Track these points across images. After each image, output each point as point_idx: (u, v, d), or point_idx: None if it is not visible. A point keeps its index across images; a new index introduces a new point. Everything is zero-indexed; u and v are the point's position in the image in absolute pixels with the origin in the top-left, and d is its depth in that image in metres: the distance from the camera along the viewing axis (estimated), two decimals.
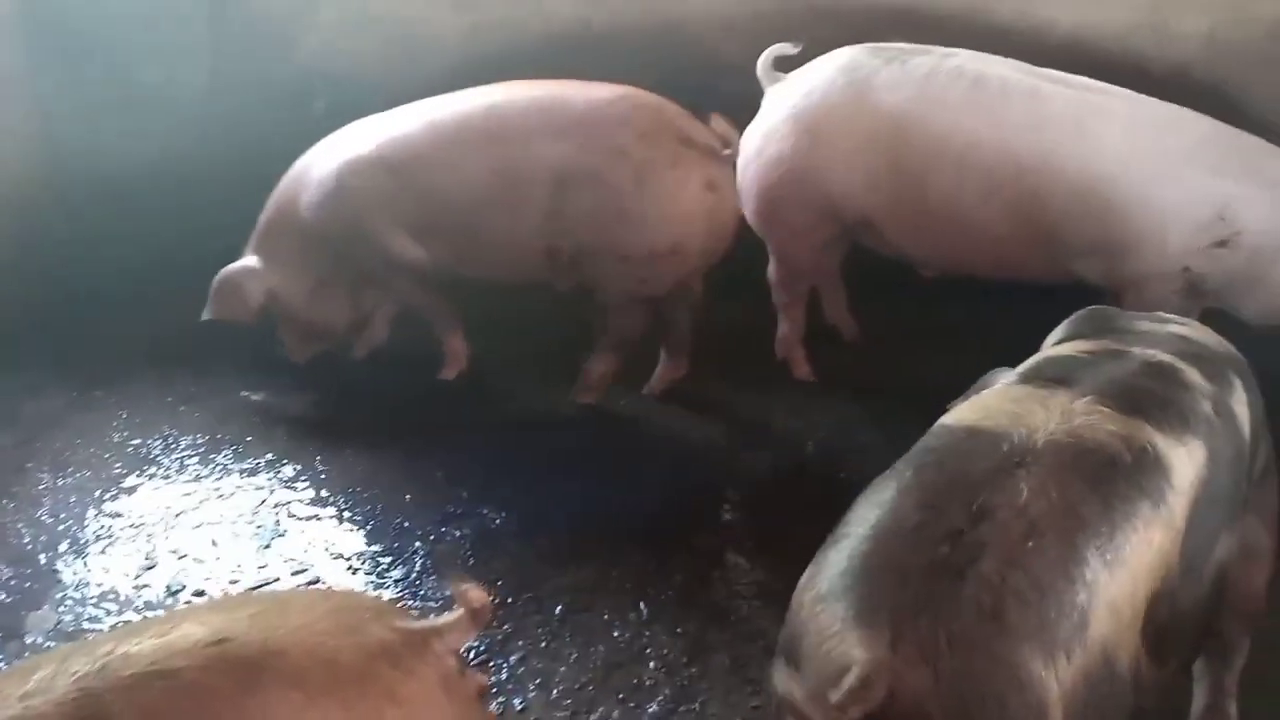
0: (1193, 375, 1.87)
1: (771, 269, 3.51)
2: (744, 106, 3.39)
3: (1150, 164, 3.00)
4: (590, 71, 3.60)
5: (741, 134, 3.27)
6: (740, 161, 3.32)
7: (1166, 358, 1.90)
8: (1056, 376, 1.85)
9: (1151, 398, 1.80)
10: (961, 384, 3.58)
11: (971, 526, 1.54)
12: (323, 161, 3.46)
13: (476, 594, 1.65)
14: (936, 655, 1.44)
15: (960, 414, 1.81)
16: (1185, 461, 1.73)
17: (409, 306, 3.64)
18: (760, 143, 3.28)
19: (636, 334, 3.39)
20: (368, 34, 4.07)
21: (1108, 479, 1.64)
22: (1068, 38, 3.58)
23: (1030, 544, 1.53)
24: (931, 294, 3.57)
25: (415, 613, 1.72)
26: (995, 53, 3.26)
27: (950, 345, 3.55)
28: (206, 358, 3.71)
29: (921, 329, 3.63)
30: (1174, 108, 3.13)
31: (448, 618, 1.63)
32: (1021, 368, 1.96)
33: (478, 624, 1.65)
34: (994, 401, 1.82)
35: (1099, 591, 1.54)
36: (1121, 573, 1.58)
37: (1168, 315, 2.16)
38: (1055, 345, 2.09)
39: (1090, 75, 3.23)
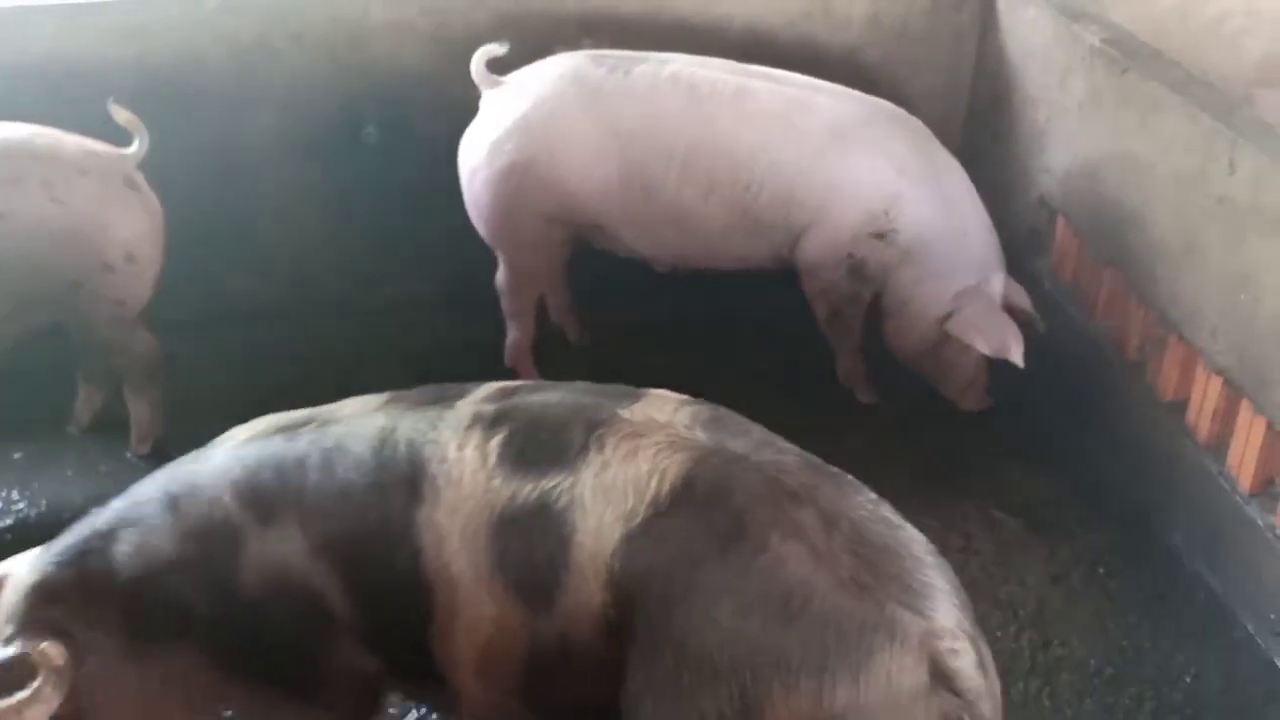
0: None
1: (501, 276, 3.48)
2: (438, 117, 3.38)
3: (841, 156, 3.17)
4: (285, 86, 3.52)
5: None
6: (465, 170, 3.29)
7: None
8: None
9: None
10: (683, 376, 3.71)
11: None
12: None
13: (55, 651, 1.59)
14: None
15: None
16: None
17: None
18: (488, 150, 3.24)
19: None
20: None
21: None
22: (745, 29, 3.71)
23: None
24: (648, 290, 3.64)
25: None
26: (678, 48, 3.37)
27: (670, 340, 3.70)
28: None
29: (642, 325, 3.69)
30: (874, 101, 3.32)
31: (23, 694, 1.56)
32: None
33: (61, 687, 1.59)
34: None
35: None
36: None
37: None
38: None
39: (770, 63, 3.39)
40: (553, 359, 3.59)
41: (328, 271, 3.79)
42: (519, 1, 3.59)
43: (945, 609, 1.66)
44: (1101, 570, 2.92)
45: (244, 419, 3.34)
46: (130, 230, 2.98)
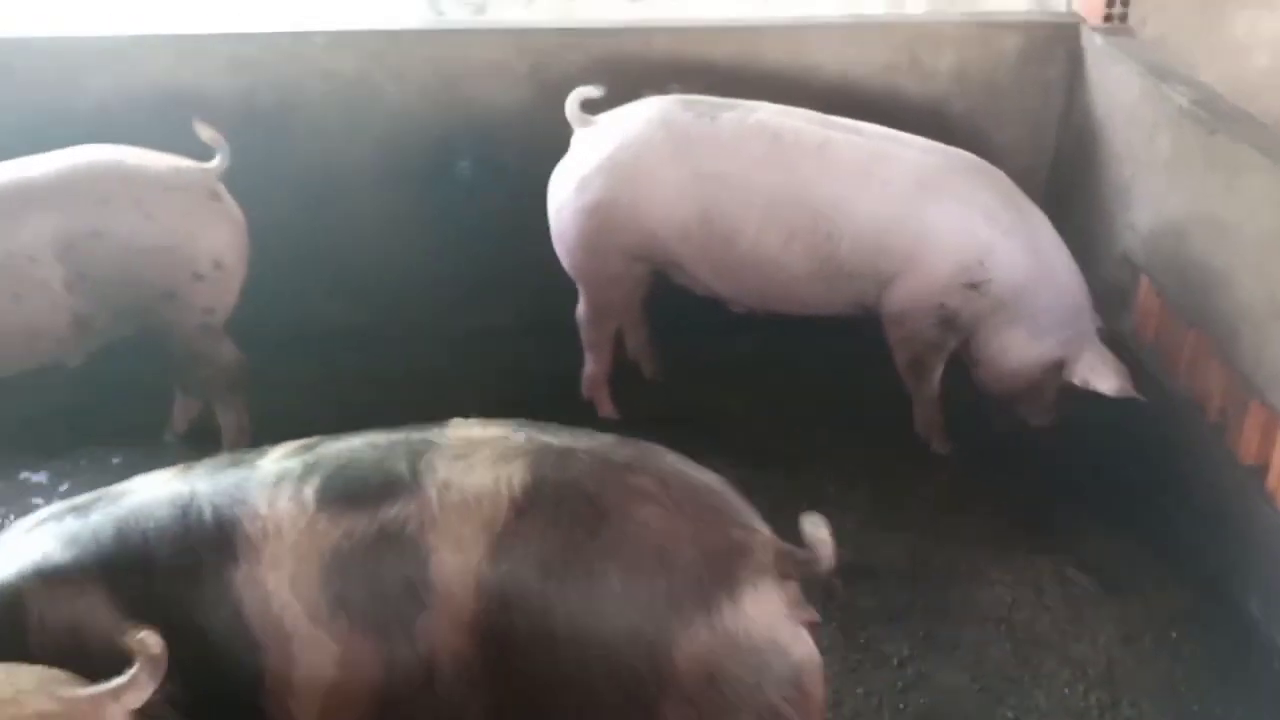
0: None
1: (581, 309, 3.56)
2: (529, 154, 3.47)
3: (929, 206, 3.21)
4: (385, 120, 3.64)
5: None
6: (553, 205, 3.40)
7: None
8: None
9: None
10: (756, 415, 3.74)
11: None
12: None
13: (153, 640, 1.61)
14: None
15: None
16: None
17: None
18: (576, 186, 3.34)
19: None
20: None
21: None
22: (833, 78, 3.77)
23: None
24: (725, 328, 3.69)
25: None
26: (766, 96, 3.43)
27: (743, 380, 3.74)
28: None
29: (716, 362, 3.75)
30: (957, 153, 3.35)
31: (120, 680, 1.58)
32: None
33: (157, 675, 1.61)
34: None
35: None
36: None
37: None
38: None
39: (857, 113, 3.44)
40: (628, 393, 3.66)
41: (415, 298, 3.90)
42: (612, 46, 3.69)
43: (758, 521, 1.95)
44: (1174, 634, 2.89)
45: (329, 433, 3.50)
46: (216, 239, 3.15)
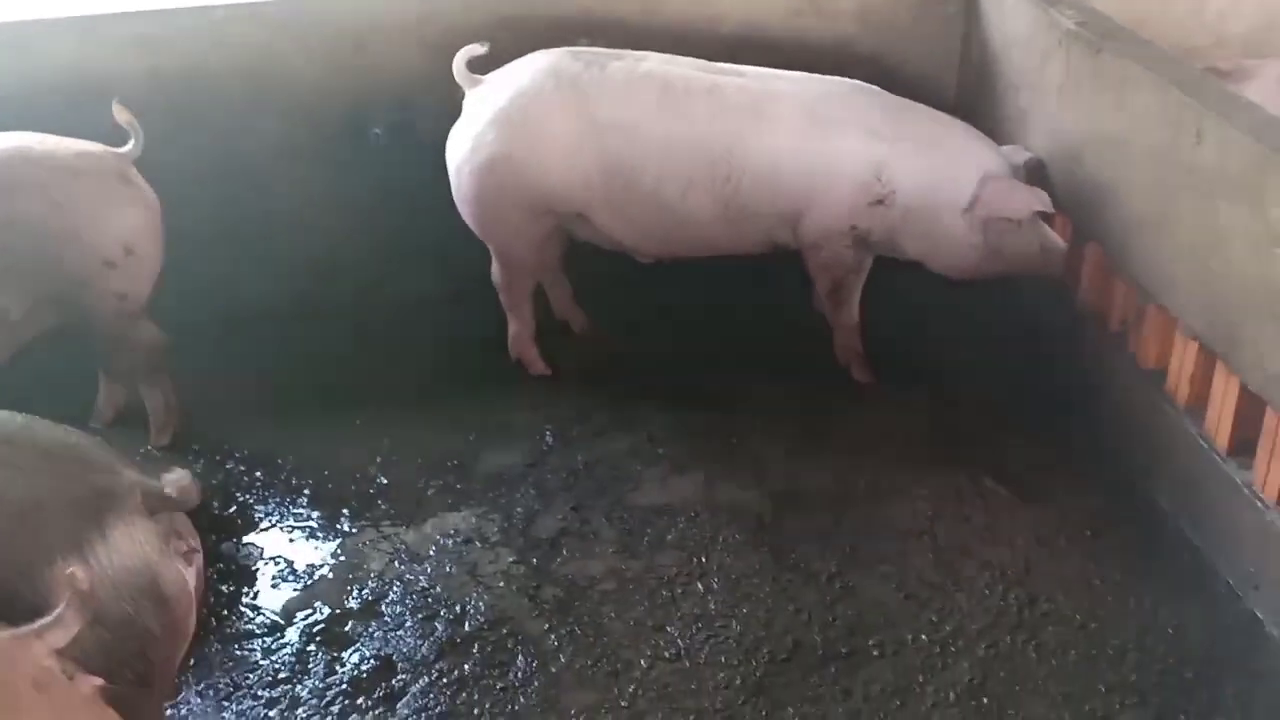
0: None
1: (495, 271, 3.60)
2: (443, 117, 3.48)
3: (815, 135, 3.29)
4: (293, 91, 3.66)
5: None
6: (452, 166, 3.42)
7: None
8: None
9: None
10: (684, 362, 3.82)
11: None
12: None
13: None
14: None
15: None
16: None
17: None
18: (471, 145, 3.37)
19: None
20: None
21: None
22: (739, 26, 3.84)
23: None
24: (649, 280, 3.75)
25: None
26: (674, 50, 3.49)
27: (669, 327, 3.81)
28: None
29: (642, 313, 3.81)
30: (832, 80, 3.44)
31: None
32: None
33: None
34: None
35: None
36: None
37: None
38: None
39: (764, 60, 3.52)
40: (558, 350, 3.72)
41: (336, 272, 3.91)
42: (521, 5, 3.72)
43: (122, 465, 2.13)
44: (1089, 532, 3.01)
45: (259, 415, 3.51)
46: (127, 224, 3.11)
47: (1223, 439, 2.84)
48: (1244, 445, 2.80)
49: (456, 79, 3.40)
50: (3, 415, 2.10)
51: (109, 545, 1.96)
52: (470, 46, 3.39)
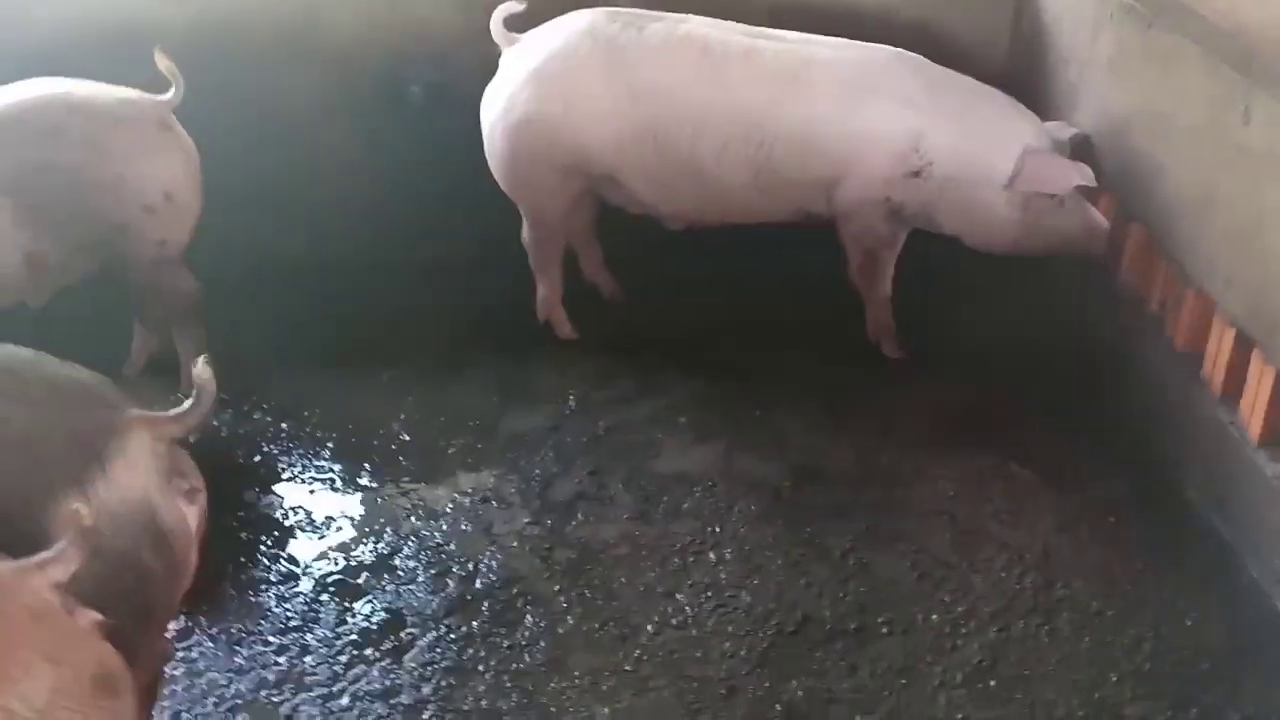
0: None
1: (525, 232, 3.59)
2: (482, 76, 3.46)
3: (853, 102, 3.23)
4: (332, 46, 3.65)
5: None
6: (485, 125, 3.41)
7: None
8: None
9: None
10: (711, 330, 3.78)
11: None
12: None
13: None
14: None
15: None
16: None
17: None
18: (505, 104, 3.35)
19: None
20: None
21: None
22: None
23: None
24: (681, 249, 3.72)
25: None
26: (715, 13, 3.43)
27: (699, 297, 3.77)
28: None
29: (673, 282, 3.77)
30: (874, 47, 3.37)
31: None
32: None
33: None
34: None
35: None
36: None
37: None
38: None
39: (809, 25, 3.45)
40: (588, 315, 3.70)
41: (368, 229, 3.91)
42: None
43: (126, 402, 2.12)
44: (1112, 519, 2.95)
45: (288, 368, 3.53)
46: (167, 171, 3.14)
47: (1255, 429, 2.76)
48: (1278, 437, 2.72)
49: (493, 37, 3.38)
50: (11, 349, 2.12)
51: (109, 480, 1.97)
52: (508, 4, 3.37)
